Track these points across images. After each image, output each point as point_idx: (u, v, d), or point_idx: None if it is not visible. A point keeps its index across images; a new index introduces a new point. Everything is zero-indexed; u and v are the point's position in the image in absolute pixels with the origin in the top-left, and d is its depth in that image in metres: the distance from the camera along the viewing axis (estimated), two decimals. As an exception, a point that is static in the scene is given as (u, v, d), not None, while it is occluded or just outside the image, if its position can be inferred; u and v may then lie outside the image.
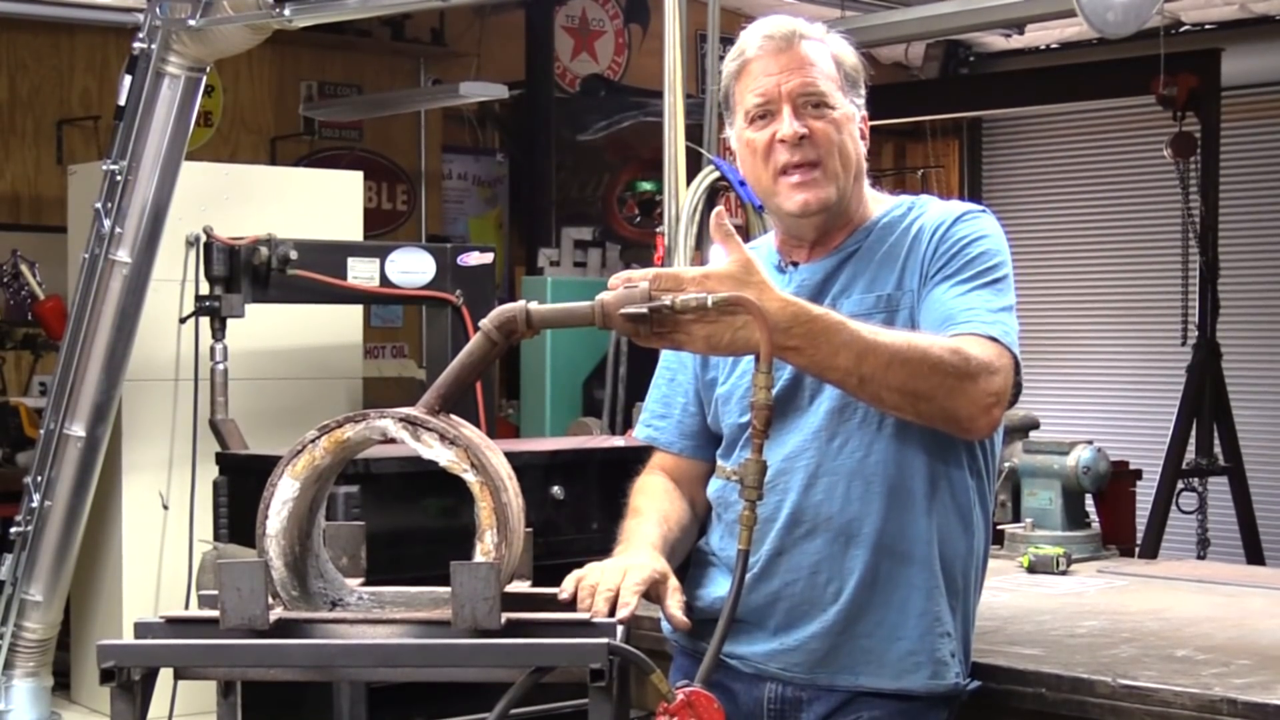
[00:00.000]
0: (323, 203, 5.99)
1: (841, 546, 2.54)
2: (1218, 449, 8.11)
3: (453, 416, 2.16)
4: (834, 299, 2.59)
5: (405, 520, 3.79)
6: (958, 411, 2.42)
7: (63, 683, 5.71)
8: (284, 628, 2.06)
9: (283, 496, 2.10)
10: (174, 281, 5.46)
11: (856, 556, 2.53)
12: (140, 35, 5.16)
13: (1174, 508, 7.96)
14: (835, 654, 2.54)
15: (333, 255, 5.40)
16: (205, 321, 5.25)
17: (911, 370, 2.36)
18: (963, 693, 2.60)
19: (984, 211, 2.65)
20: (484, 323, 2.24)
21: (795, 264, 2.68)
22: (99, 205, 5.16)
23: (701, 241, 4.95)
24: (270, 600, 2.05)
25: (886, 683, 2.53)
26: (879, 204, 2.70)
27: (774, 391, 2.29)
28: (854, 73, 2.66)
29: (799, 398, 2.57)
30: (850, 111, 2.63)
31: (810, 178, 2.58)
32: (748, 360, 2.49)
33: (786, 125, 2.57)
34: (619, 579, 2.34)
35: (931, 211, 2.65)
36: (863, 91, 2.68)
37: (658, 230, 5.41)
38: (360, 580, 2.26)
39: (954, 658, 2.57)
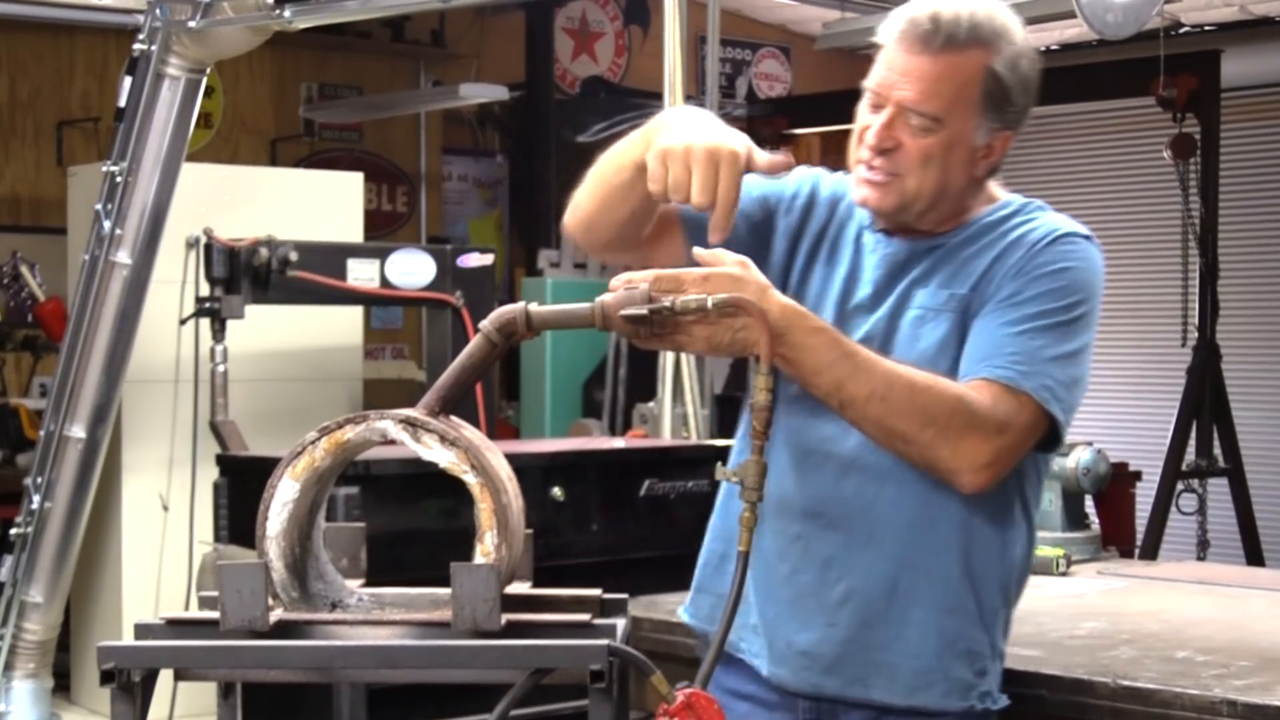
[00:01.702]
0: (323, 204, 6.00)
1: (860, 548, 2.46)
2: (1217, 450, 8.11)
3: (453, 418, 2.16)
4: (910, 285, 2.50)
5: (405, 521, 3.80)
6: (939, 464, 2.34)
7: (63, 684, 5.72)
8: (284, 629, 2.06)
9: (283, 498, 2.09)
10: (174, 283, 5.47)
11: (875, 563, 2.45)
12: (140, 37, 5.17)
13: (1174, 509, 7.95)
14: (844, 663, 2.47)
15: (333, 257, 5.41)
16: (205, 323, 5.26)
17: (891, 409, 2.30)
18: (987, 714, 2.51)
19: (1088, 239, 2.49)
20: (484, 324, 2.23)
21: (888, 234, 2.55)
22: (99, 207, 5.17)
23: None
24: (270, 602, 2.05)
25: (898, 698, 2.45)
26: (988, 202, 2.56)
27: None
28: (1002, 93, 2.43)
29: None
30: (969, 137, 2.44)
31: (878, 179, 2.46)
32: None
33: (872, 132, 2.44)
34: (712, 169, 2.26)
35: (1036, 223, 2.49)
36: (1011, 114, 2.46)
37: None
38: (360, 582, 2.26)
39: (980, 676, 2.48)
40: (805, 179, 2.64)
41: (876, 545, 2.45)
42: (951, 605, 2.45)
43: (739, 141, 2.31)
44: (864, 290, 2.54)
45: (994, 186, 2.58)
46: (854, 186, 2.51)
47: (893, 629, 2.45)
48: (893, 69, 2.43)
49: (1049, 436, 2.42)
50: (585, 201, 2.57)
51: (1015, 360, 2.37)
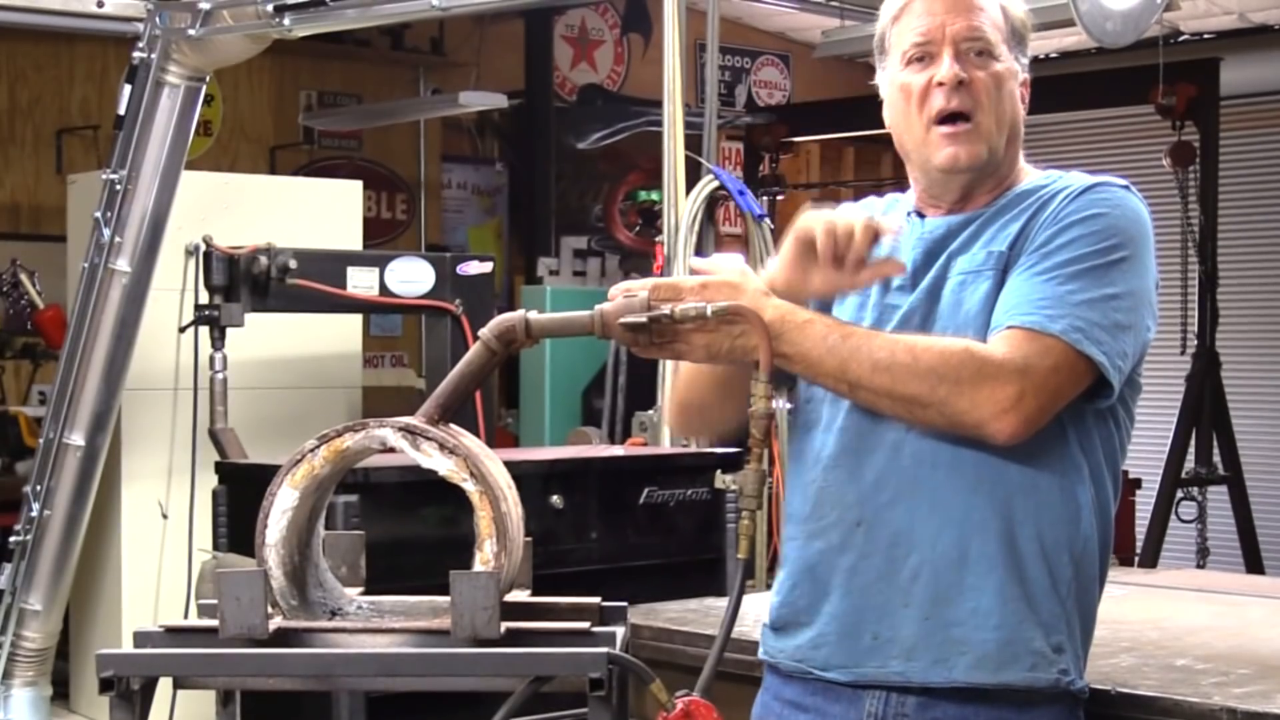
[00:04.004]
0: (322, 212, 6.00)
1: (924, 519, 2.38)
2: (1217, 458, 8.11)
3: (452, 426, 2.16)
4: (949, 257, 2.45)
5: (404, 529, 3.79)
6: (961, 418, 2.27)
7: (62, 692, 5.71)
8: (283, 637, 2.06)
9: (282, 506, 2.09)
10: (173, 291, 5.46)
11: (943, 531, 2.37)
12: (140, 45, 5.17)
13: (1173, 517, 7.95)
14: (925, 643, 2.38)
15: (332, 265, 5.40)
16: (205, 331, 5.25)
17: (898, 376, 2.27)
18: (1071, 692, 2.41)
19: (1124, 186, 2.45)
20: (483, 332, 2.23)
21: (923, 215, 2.53)
22: (98, 214, 5.17)
23: (701, 250, 4.95)
24: (269, 609, 2.05)
25: (985, 676, 2.35)
26: (1029, 175, 2.52)
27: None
28: (1021, 28, 2.48)
29: None
30: (1013, 67, 2.46)
31: (963, 129, 2.42)
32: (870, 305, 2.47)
33: (946, 68, 2.40)
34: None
35: (1071, 180, 2.46)
36: (1028, 51, 2.50)
37: (657, 240, 5.42)
38: (359, 589, 2.26)
39: (1059, 653, 2.38)
40: None
41: (941, 513, 2.37)
42: (1023, 573, 2.37)
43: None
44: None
45: (1029, 166, 2.56)
46: (936, 151, 2.45)
47: (969, 601, 2.36)
48: (933, 14, 2.44)
49: (1098, 385, 2.34)
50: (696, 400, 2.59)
51: (1042, 305, 2.31)
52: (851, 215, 2.36)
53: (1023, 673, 2.36)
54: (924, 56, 2.44)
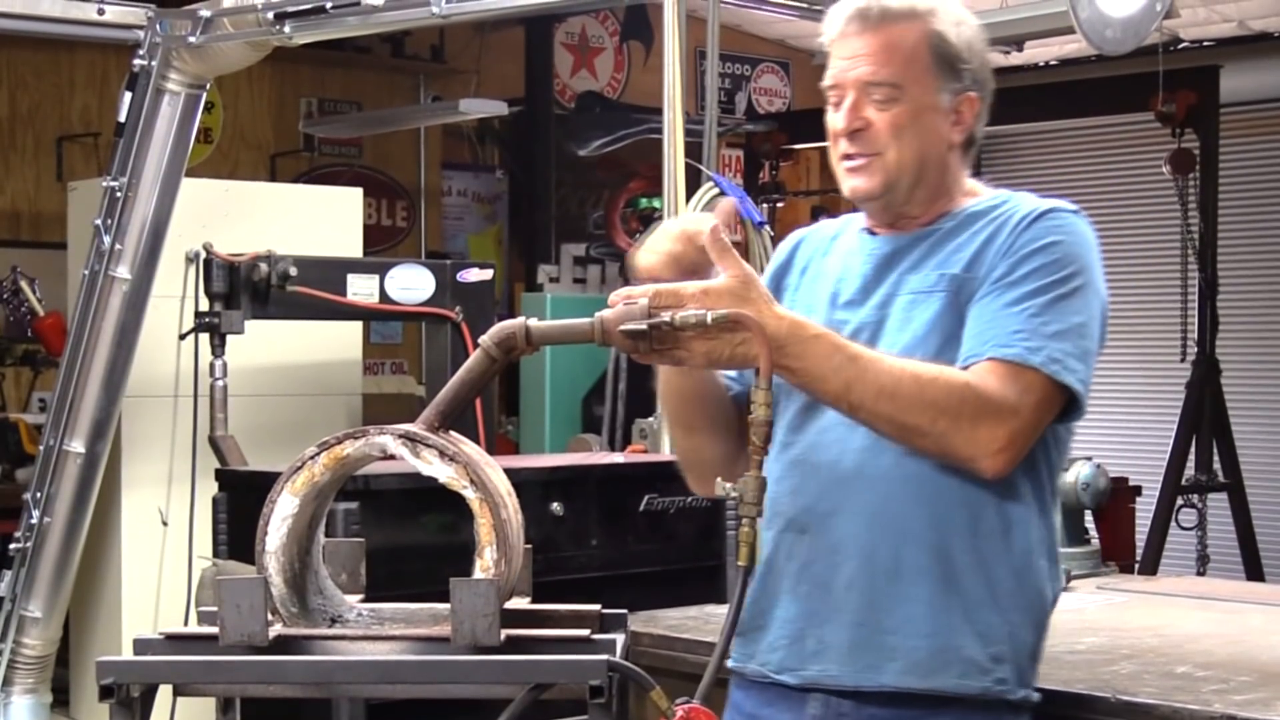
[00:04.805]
0: (322, 219, 6.00)
1: (865, 528, 2.46)
2: (1217, 465, 8.11)
3: (452, 433, 2.16)
4: (901, 274, 2.53)
5: (405, 537, 3.79)
6: (955, 453, 2.36)
7: (62, 699, 5.70)
8: (283, 644, 2.06)
9: (282, 513, 2.10)
10: (174, 298, 5.47)
11: (881, 541, 2.45)
12: (140, 52, 5.17)
13: (1173, 524, 7.94)
14: (858, 649, 2.46)
15: (332, 272, 5.40)
16: (205, 338, 5.25)
17: (901, 405, 2.32)
18: (1009, 700, 2.47)
19: (1074, 212, 2.52)
20: (483, 339, 2.23)
21: (874, 233, 2.61)
22: (99, 221, 5.17)
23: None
24: (269, 617, 2.05)
25: (914, 681, 2.43)
26: (976, 194, 2.61)
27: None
28: (954, 55, 2.54)
29: None
30: (934, 100, 2.52)
31: (861, 163, 2.52)
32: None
33: (841, 117, 2.52)
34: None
35: (1021, 205, 2.53)
36: (966, 73, 2.55)
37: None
38: (360, 597, 2.26)
39: (997, 662, 2.45)
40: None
41: (878, 524, 2.45)
42: (958, 584, 2.44)
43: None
44: (853, 286, 2.58)
45: (979, 184, 2.64)
46: (842, 183, 2.57)
47: (901, 609, 2.44)
48: (842, 57, 2.53)
49: (1068, 407, 2.43)
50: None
51: (1019, 337, 2.39)
52: (673, 229, 2.43)
53: (953, 680, 2.44)
54: (837, 100, 2.55)
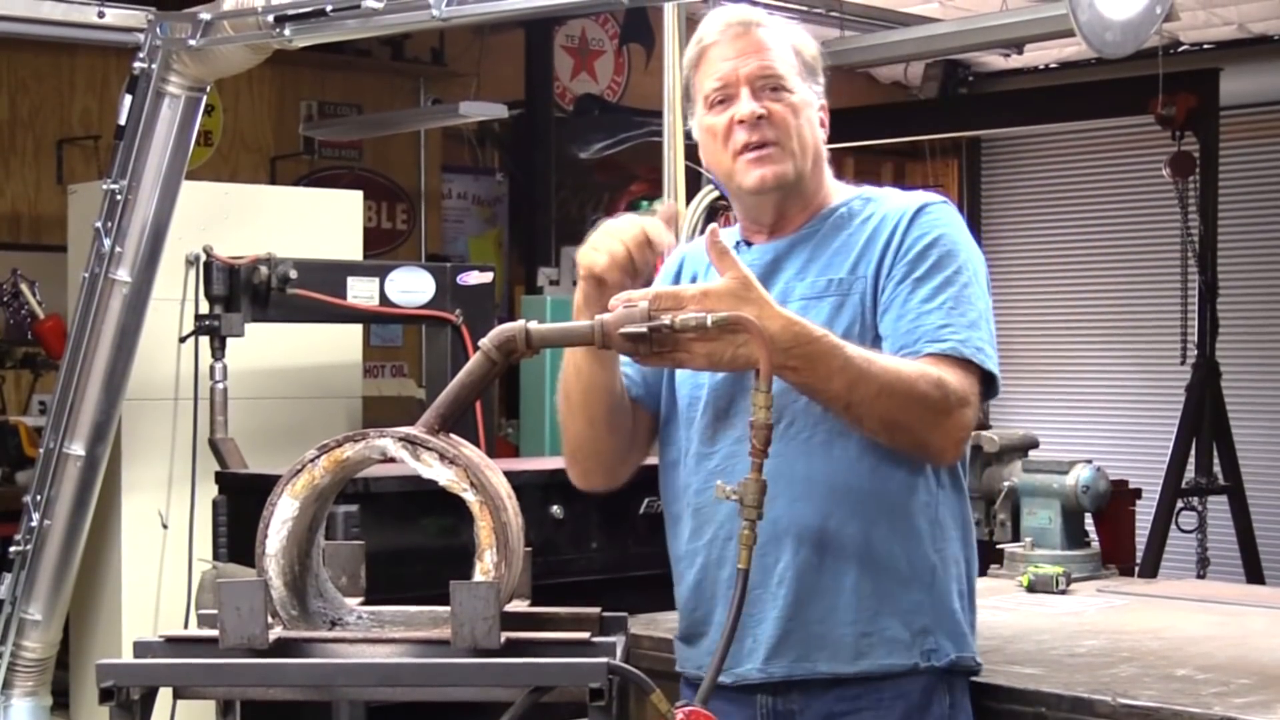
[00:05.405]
0: (322, 222, 6.00)
1: (785, 528, 2.54)
2: (1217, 468, 8.11)
3: (452, 436, 2.16)
4: (787, 281, 2.62)
5: (405, 539, 3.80)
6: (930, 444, 2.48)
7: (62, 702, 5.70)
8: (283, 647, 2.06)
9: (282, 516, 2.10)
10: (174, 300, 5.46)
11: (803, 538, 2.54)
12: (140, 55, 5.17)
13: (1174, 527, 7.95)
14: (788, 641, 2.55)
15: (332, 274, 5.40)
16: (205, 340, 5.25)
17: (898, 402, 2.40)
18: (939, 668, 2.56)
19: (944, 203, 2.65)
20: (483, 342, 2.24)
21: (750, 244, 2.71)
22: (99, 224, 5.17)
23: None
24: (269, 619, 2.05)
25: (843, 666, 2.53)
26: (839, 192, 2.72)
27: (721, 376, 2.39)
28: (813, 61, 2.69)
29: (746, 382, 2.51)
30: (808, 98, 2.65)
31: (767, 153, 2.60)
32: None
33: (744, 106, 2.59)
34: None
35: (892, 202, 2.66)
36: (821, 80, 2.70)
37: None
38: (360, 599, 2.26)
39: (922, 635, 2.55)
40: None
41: (800, 522, 2.54)
42: (878, 569, 2.54)
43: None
44: None
45: (839, 182, 2.75)
46: (744, 176, 2.62)
47: (826, 600, 2.53)
48: (727, 59, 2.63)
49: (987, 389, 2.56)
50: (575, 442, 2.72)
51: (948, 331, 2.50)
52: (621, 230, 2.51)
53: (880, 660, 2.54)
54: (724, 99, 2.63)
